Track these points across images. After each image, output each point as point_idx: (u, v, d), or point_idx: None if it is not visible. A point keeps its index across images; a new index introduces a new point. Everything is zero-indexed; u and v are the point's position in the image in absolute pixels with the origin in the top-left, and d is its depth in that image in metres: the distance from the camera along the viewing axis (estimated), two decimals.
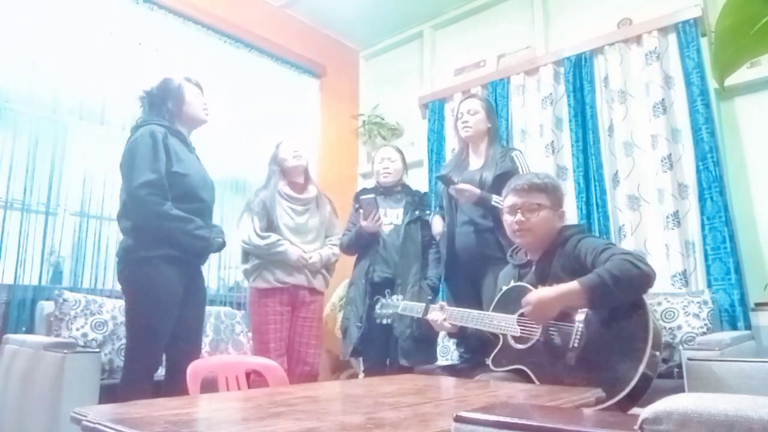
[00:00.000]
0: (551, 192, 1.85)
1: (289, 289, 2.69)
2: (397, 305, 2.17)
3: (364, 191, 2.88)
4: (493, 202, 2.34)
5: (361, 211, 2.64)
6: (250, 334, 3.09)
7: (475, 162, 2.61)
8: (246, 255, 2.76)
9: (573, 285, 1.59)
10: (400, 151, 2.91)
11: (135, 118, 3.10)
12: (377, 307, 2.27)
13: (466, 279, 2.52)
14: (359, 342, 2.59)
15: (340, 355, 3.42)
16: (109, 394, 2.07)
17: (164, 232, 2.09)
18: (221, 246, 2.41)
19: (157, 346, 2.09)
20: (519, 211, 1.84)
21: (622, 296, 1.57)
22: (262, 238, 2.66)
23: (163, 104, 2.26)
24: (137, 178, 2.05)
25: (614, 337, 1.56)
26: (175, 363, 2.11)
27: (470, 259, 2.46)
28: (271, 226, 2.71)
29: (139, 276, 2.09)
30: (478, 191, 2.40)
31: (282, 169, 2.82)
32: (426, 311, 2.03)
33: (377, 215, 2.63)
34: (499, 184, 2.39)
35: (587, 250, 1.70)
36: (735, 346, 2.12)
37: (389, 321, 2.26)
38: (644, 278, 1.57)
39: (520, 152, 2.60)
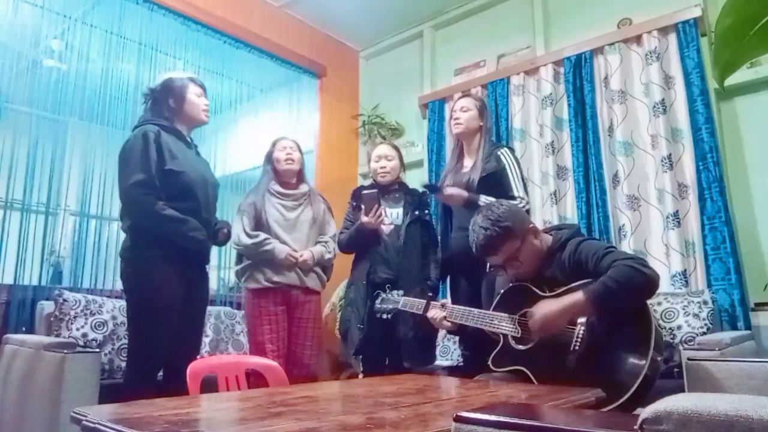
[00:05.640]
0: (508, 232, 1.77)
1: (282, 289, 2.64)
2: (398, 300, 2.15)
3: (362, 188, 2.86)
4: (480, 202, 2.33)
5: (363, 206, 2.60)
6: None
7: (468, 163, 2.59)
8: (240, 256, 2.74)
9: (578, 296, 1.58)
10: (396, 149, 2.86)
11: (135, 118, 3.12)
12: (377, 301, 2.25)
13: (465, 283, 2.50)
14: (361, 344, 2.57)
15: (339, 356, 3.41)
16: (110, 394, 2.06)
17: (157, 231, 2.10)
18: (226, 238, 2.42)
19: (159, 345, 2.09)
20: (505, 268, 1.86)
21: (628, 303, 1.57)
22: (250, 237, 2.62)
23: (164, 102, 2.27)
24: (128, 179, 2.08)
25: (616, 340, 1.56)
26: (174, 363, 2.10)
27: (468, 264, 2.45)
28: (260, 223, 2.67)
29: (139, 275, 2.10)
30: (465, 194, 2.38)
31: (274, 170, 2.79)
32: (426, 308, 2.02)
33: (379, 210, 2.58)
34: (486, 185, 2.38)
35: (588, 254, 1.69)
36: (735, 346, 2.11)
37: (389, 316, 2.23)
38: (649, 283, 1.57)
39: (509, 149, 2.56)
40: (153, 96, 2.29)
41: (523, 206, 2.37)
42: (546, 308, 1.63)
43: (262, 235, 2.63)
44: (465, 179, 2.49)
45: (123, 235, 2.21)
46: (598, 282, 1.58)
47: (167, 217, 2.09)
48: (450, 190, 2.40)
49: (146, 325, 2.09)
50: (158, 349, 2.09)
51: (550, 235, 1.88)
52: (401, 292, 2.21)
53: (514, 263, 1.81)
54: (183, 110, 2.29)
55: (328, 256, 2.80)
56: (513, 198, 2.37)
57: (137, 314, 2.12)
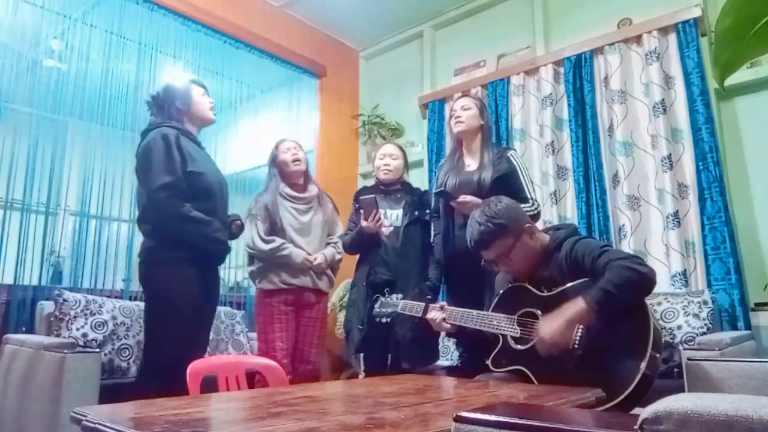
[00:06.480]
0: (502, 229, 1.77)
1: (294, 290, 2.66)
2: (397, 304, 2.16)
3: (364, 190, 2.87)
4: None
5: (362, 211, 2.63)
6: (250, 334, 3.09)
7: (471, 162, 2.57)
8: (251, 257, 2.75)
9: (579, 305, 1.58)
10: (401, 149, 2.88)
11: (135, 118, 3.13)
12: (376, 305, 2.25)
13: (467, 282, 2.49)
14: (361, 343, 2.59)
15: (342, 355, 3.42)
16: (110, 394, 2.06)
17: (183, 233, 2.10)
18: (240, 230, 2.44)
19: (177, 346, 2.06)
20: (496, 264, 1.86)
21: (628, 303, 1.57)
22: (266, 242, 2.63)
23: (171, 105, 2.26)
24: (155, 182, 2.06)
25: (615, 339, 1.56)
26: (183, 363, 2.10)
27: (470, 263, 2.44)
28: (275, 228, 2.67)
29: (160, 277, 2.11)
30: (479, 201, 2.35)
31: (281, 172, 2.79)
32: (425, 311, 2.02)
33: (378, 215, 2.61)
34: (498, 186, 2.38)
35: (584, 253, 1.70)
36: (735, 346, 2.12)
37: (388, 320, 2.24)
38: (647, 282, 1.57)
39: (515, 151, 2.58)
40: (157, 102, 2.28)
41: (536, 208, 2.39)
42: (550, 328, 1.61)
43: (279, 240, 2.65)
44: (474, 178, 2.46)
45: (123, 235, 2.21)
46: (596, 288, 1.57)
47: (194, 219, 2.10)
48: (465, 198, 2.40)
49: (168, 326, 2.07)
50: (177, 350, 2.07)
51: (548, 234, 1.89)
52: (400, 295, 2.22)
53: (505, 260, 1.82)
54: (191, 111, 2.30)
55: (338, 257, 2.85)
56: (526, 200, 2.36)
57: (159, 315, 2.10)
